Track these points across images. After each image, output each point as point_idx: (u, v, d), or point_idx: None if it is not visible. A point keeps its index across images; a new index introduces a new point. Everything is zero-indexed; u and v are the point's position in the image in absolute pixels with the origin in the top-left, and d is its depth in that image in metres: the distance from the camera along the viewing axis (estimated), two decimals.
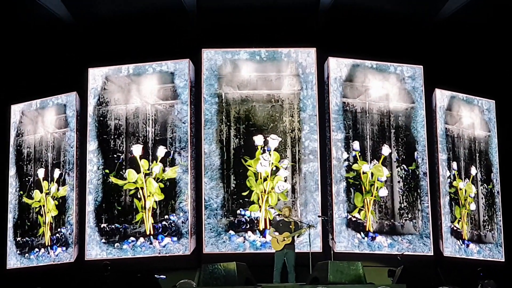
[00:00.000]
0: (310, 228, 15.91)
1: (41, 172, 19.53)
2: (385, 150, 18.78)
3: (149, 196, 18.20)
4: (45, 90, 19.82)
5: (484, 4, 19.00)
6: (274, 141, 18.20)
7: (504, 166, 20.69)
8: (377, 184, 18.53)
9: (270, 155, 18.14)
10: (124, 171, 18.42)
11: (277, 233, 15.83)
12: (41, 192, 19.46)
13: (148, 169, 18.27)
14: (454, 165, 19.72)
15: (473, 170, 20.08)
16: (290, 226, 15.82)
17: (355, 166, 18.46)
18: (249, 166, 18.06)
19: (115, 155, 18.58)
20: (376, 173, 18.59)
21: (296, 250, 17.19)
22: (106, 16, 19.16)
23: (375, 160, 18.65)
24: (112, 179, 18.39)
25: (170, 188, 18.21)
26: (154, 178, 18.20)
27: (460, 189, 19.69)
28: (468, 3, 18.88)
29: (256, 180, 18.02)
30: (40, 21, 19.38)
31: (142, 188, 18.25)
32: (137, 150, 18.44)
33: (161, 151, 18.32)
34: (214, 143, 18.27)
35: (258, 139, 18.20)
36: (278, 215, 17.58)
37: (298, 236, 16.04)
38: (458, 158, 19.92)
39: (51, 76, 19.76)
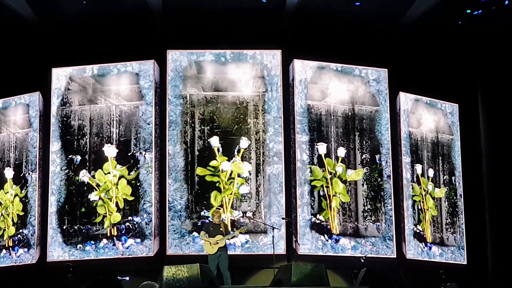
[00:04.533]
0: (243, 232, 16.29)
1: (8, 173, 19.27)
2: (341, 151, 18.82)
3: (117, 196, 18.11)
4: (8, 90, 19.62)
5: (449, 9, 19.14)
6: (245, 143, 18.19)
7: (466, 170, 20.87)
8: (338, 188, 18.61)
9: (238, 157, 18.15)
10: (90, 172, 18.31)
11: (207, 236, 15.85)
12: (6, 192, 19.22)
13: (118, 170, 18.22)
14: (418, 168, 19.85)
15: (431, 172, 20.18)
16: (221, 229, 15.88)
17: (317, 169, 18.49)
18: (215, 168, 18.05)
19: (78, 156, 18.44)
20: (355, 177, 18.71)
21: (260, 252, 17.34)
22: (71, 16, 19.02)
23: (340, 162, 18.72)
24: (90, 180, 18.21)
25: (134, 189, 18.13)
26: (126, 179, 18.12)
27: (426, 191, 19.84)
28: (432, 7, 18.99)
29: (220, 183, 18.03)
30: (3, 20, 19.18)
31: (107, 190, 18.14)
32: (109, 151, 18.32)
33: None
34: (178, 144, 18.22)
35: (214, 141, 18.16)
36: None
37: (231, 238, 16.26)
38: (422, 161, 20.05)
39: (14, 76, 19.55)
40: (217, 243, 15.71)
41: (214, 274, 15.49)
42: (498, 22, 19.82)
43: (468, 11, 19.25)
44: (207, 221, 17.34)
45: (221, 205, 17.78)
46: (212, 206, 17.78)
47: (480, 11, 19.31)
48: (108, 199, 18.12)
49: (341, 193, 18.54)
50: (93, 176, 18.25)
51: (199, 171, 18.07)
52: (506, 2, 18.91)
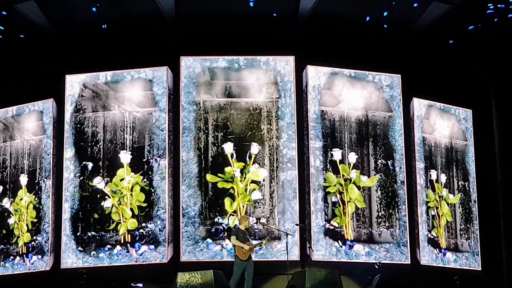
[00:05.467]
0: (269, 241, 16.56)
1: (22, 180, 19.31)
2: (352, 157, 18.77)
3: (131, 203, 18.13)
4: (22, 97, 19.68)
5: (462, 14, 19.10)
6: (255, 148, 18.18)
7: (480, 175, 20.79)
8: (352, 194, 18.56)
9: (249, 163, 18.14)
10: (103, 178, 18.34)
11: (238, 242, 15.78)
12: (20, 199, 19.26)
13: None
14: (432, 174, 19.79)
15: (445, 178, 20.10)
16: (247, 236, 15.84)
17: (331, 175, 18.45)
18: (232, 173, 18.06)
19: (90, 163, 18.47)
20: (369, 183, 18.68)
21: (274, 258, 17.37)
22: (84, 23, 19.05)
23: (352, 168, 18.68)
24: (109, 186, 18.24)
25: (147, 196, 18.14)
26: (139, 186, 18.14)
27: (440, 197, 19.78)
28: (445, 13, 18.97)
29: (233, 189, 18.02)
30: (17, 27, 19.26)
31: (122, 197, 18.15)
32: (124, 157, 18.34)
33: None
34: (192, 150, 18.22)
35: (227, 147, 18.16)
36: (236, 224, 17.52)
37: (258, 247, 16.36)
38: (436, 167, 19.98)
39: (28, 82, 19.63)
40: (250, 249, 15.63)
41: (238, 280, 15.39)
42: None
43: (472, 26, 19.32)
44: (220, 227, 17.35)
45: (235, 211, 17.78)
46: (226, 212, 17.78)
47: (473, 27, 19.36)
48: (122, 205, 18.12)
49: (357, 199, 18.50)
50: (110, 181, 18.25)
51: (209, 178, 18.06)
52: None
